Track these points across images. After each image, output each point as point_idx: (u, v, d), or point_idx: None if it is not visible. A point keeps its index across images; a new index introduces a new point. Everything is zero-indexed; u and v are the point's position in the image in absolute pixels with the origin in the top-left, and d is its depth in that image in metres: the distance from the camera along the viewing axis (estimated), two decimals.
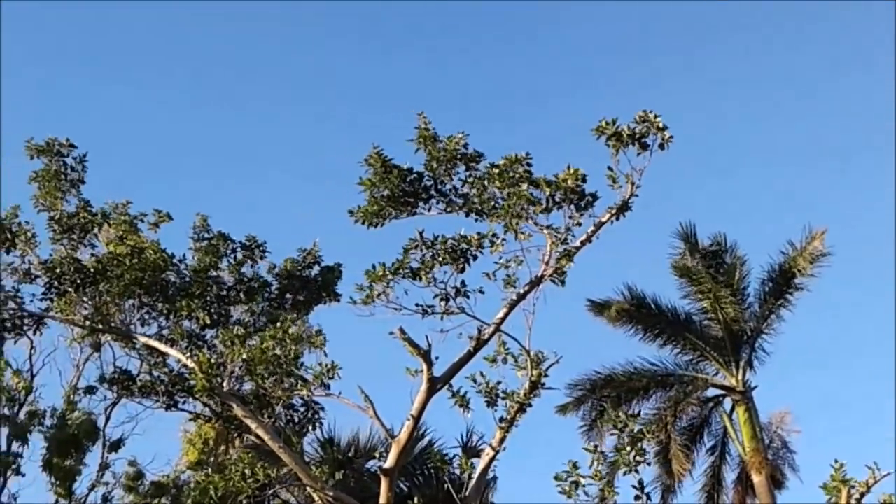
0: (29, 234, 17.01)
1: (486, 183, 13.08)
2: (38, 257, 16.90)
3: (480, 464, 12.95)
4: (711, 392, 24.51)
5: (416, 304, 12.79)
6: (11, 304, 16.75)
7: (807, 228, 24.01)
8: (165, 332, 17.04)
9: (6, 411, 18.23)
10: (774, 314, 24.21)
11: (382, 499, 12.64)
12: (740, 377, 23.60)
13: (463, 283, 12.83)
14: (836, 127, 44.56)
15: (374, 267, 12.73)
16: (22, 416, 18.48)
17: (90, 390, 18.70)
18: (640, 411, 22.18)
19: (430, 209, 13.43)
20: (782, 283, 24.00)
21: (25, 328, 17.20)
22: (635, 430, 11.44)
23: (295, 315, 18.09)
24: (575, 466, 11.03)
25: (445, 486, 14.97)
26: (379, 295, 12.75)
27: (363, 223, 13.25)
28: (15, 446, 18.19)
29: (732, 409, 23.87)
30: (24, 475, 18.10)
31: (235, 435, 18.31)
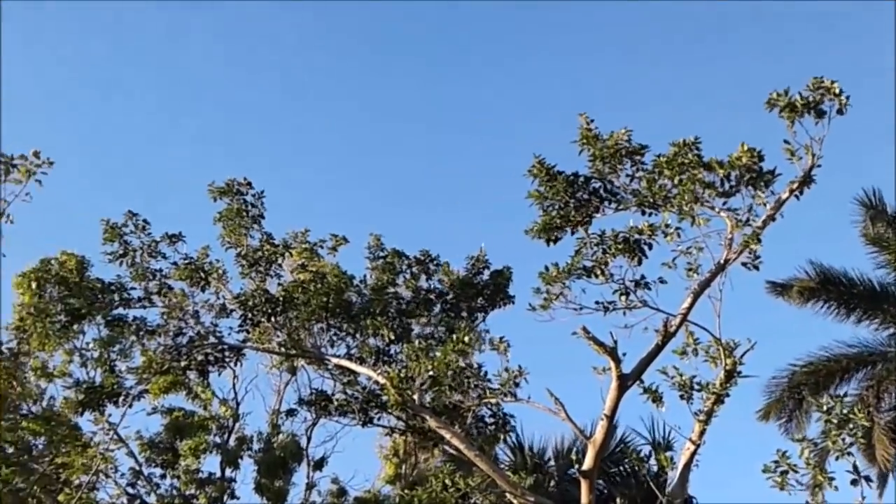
0: (220, 272, 17.94)
1: (655, 174, 12.76)
2: (230, 292, 17.81)
3: (682, 458, 12.58)
4: None
5: (596, 302, 12.65)
6: (212, 339, 17.75)
7: None
8: (354, 351, 17.64)
9: (217, 439, 19.35)
10: None
11: (584, 501, 12.51)
12: None
13: (642, 276, 12.60)
14: None
15: (546, 269, 12.67)
16: (232, 442, 19.57)
17: (291, 413, 19.57)
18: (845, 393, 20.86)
19: (602, 212, 13.17)
20: None
21: (227, 360, 18.19)
22: (843, 412, 10.81)
23: (472, 323, 18.35)
24: (784, 456, 10.52)
25: (645, 484, 14.69)
26: (557, 297, 12.68)
27: (540, 239, 13.10)
28: (228, 471, 19.28)
29: None
30: (238, 498, 19.18)
31: (430, 446, 18.67)
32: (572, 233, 13.12)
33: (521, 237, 13.33)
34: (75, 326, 17.90)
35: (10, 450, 15.76)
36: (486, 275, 18.91)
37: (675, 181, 12.45)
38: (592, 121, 13.08)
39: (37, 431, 15.95)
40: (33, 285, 17.03)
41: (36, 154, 10.35)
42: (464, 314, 18.37)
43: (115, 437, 15.09)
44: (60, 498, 14.01)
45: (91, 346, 18.44)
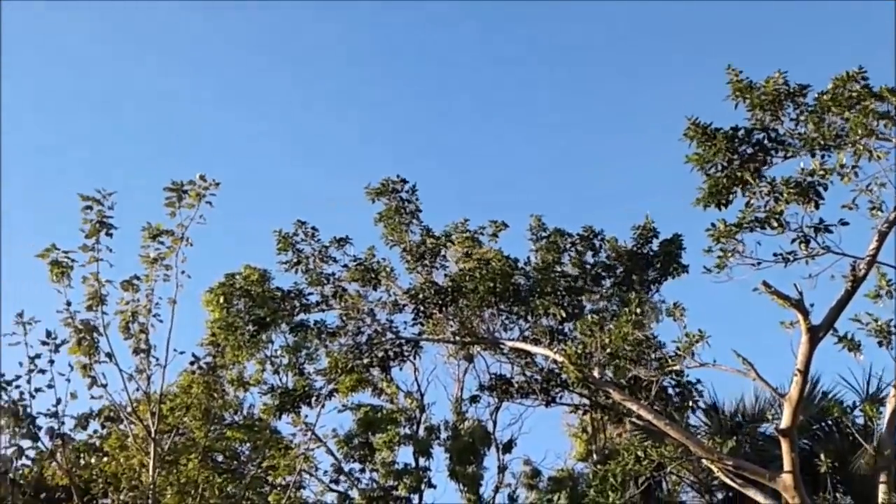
0: (388, 269, 18.45)
1: (821, 114, 12.02)
2: (400, 288, 18.28)
3: (888, 406, 11.88)
4: None
5: (775, 254, 12.08)
6: (389, 335, 18.28)
7: None
8: (527, 333, 17.69)
9: (407, 431, 19.88)
10: None
11: (786, 460, 12.03)
12: None
13: (821, 220, 11.90)
14: None
15: (713, 225, 12.19)
16: (421, 433, 20.07)
17: (474, 399, 19.86)
18: None
19: (770, 163, 12.50)
20: None
21: (406, 354, 18.72)
22: None
23: (645, 294, 17.98)
24: None
25: (850, 437, 13.97)
26: (731, 254, 12.20)
27: (710, 206, 12.52)
28: (421, 461, 19.78)
29: None
30: (434, 486, 19.62)
31: (618, 420, 18.47)
32: (742, 192, 12.51)
33: (687, 206, 12.85)
34: (263, 336, 18.84)
35: (220, 458, 16.78)
36: (654, 245, 18.48)
37: (845, 117, 11.70)
38: (741, 71, 12.48)
39: (241, 438, 16.94)
40: (221, 300, 18.05)
41: (202, 177, 10.93)
42: (636, 287, 18.02)
43: (313, 437, 15.76)
44: (270, 499, 14.80)
45: (279, 352, 19.37)
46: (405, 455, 19.88)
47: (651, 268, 18.45)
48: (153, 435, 10.66)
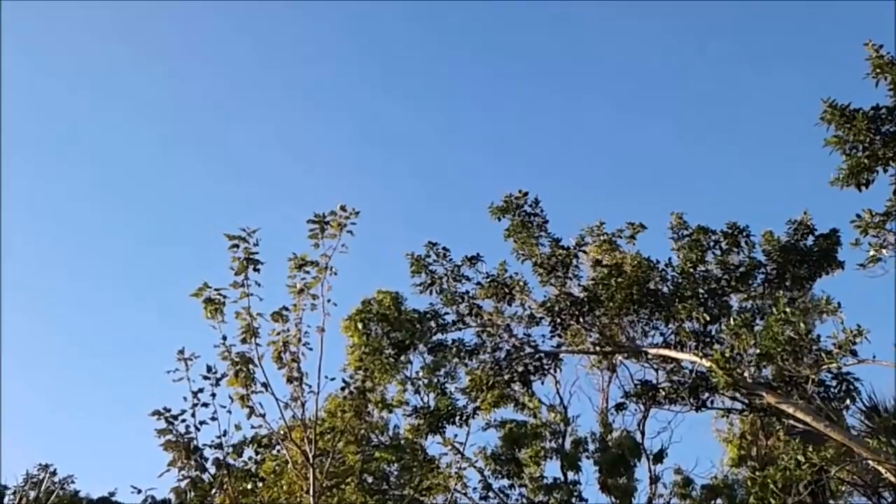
0: (521, 284, 18.37)
1: None
2: (535, 301, 18.17)
3: None
4: None
5: None
6: (528, 349, 18.19)
7: None
8: (670, 338, 17.24)
9: (553, 444, 19.74)
10: None
11: None
12: None
13: None
14: None
15: (858, 216, 11.64)
16: (567, 446, 19.88)
17: (620, 408, 19.48)
18: None
19: None
20: None
21: (546, 367, 18.54)
22: None
23: (796, 292, 17.23)
24: None
25: None
26: (884, 246, 11.62)
27: (849, 185, 12.04)
28: (570, 475, 19.58)
29: None
30: (585, 500, 19.36)
31: (773, 423, 17.77)
32: (885, 170, 11.94)
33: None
34: (402, 357, 19.10)
35: (370, 479, 17.09)
36: (809, 241, 17.66)
37: None
38: (881, 46, 11.90)
39: (389, 459, 17.22)
40: (360, 325, 18.44)
41: (342, 208, 11.23)
42: (788, 284, 17.27)
43: (461, 455, 15.86)
44: None
45: (420, 373, 19.60)
46: (553, 469, 19.77)
47: (804, 264, 17.61)
48: (311, 461, 10.94)
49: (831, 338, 12.91)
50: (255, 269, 11.08)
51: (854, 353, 12.76)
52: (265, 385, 10.89)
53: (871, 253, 11.62)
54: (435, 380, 19.03)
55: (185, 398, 10.62)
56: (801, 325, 13.31)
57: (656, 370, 18.20)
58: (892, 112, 11.98)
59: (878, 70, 11.92)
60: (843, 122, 12.03)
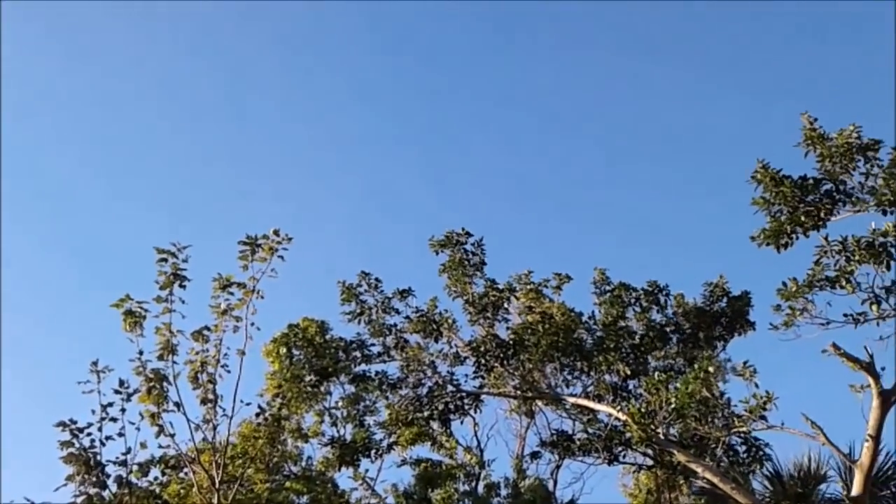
0: (450, 321, 18.45)
1: (893, 170, 11.86)
2: (462, 340, 18.25)
3: None
4: None
5: (845, 315, 11.89)
6: (450, 387, 18.20)
7: None
8: (590, 389, 17.49)
9: (466, 487, 19.69)
10: None
11: None
12: None
13: (893, 281, 11.74)
14: None
15: (784, 284, 12.07)
16: (480, 489, 19.85)
17: (535, 456, 19.60)
18: None
19: (836, 214, 12.39)
20: None
21: (466, 407, 18.54)
22: None
23: (711, 352, 17.69)
24: None
25: None
26: (800, 313, 12.03)
27: (768, 246, 12.51)
28: None
29: None
30: None
31: (679, 481, 18.06)
32: (806, 235, 12.43)
33: (754, 267, 12.79)
34: (322, 387, 18.95)
35: None
36: (723, 302, 18.21)
37: None
38: (816, 119, 12.42)
39: (299, 490, 16.98)
40: (283, 350, 18.24)
41: (276, 232, 11.22)
42: (702, 344, 17.75)
43: (372, 491, 15.74)
44: None
45: (339, 404, 19.42)
46: None
47: (717, 325, 18.17)
48: (217, 485, 10.78)
49: (743, 402, 13.19)
50: (181, 286, 10.96)
51: (764, 419, 13.05)
52: (178, 405, 10.74)
53: (786, 317, 12.00)
54: (354, 411, 18.89)
55: (93, 411, 10.40)
56: (716, 386, 13.63)
57: (574, 420, 18.41)
58: (817, 183, 12.46)
59: (809, 142, 12.40)
60: (772, 185, 12.46)
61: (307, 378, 18.04)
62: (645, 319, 17.86)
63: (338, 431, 19.40)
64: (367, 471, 16.40)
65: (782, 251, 12.55)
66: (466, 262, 18.56)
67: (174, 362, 10.80)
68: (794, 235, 12.50)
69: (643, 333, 17.64)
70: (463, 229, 18.55)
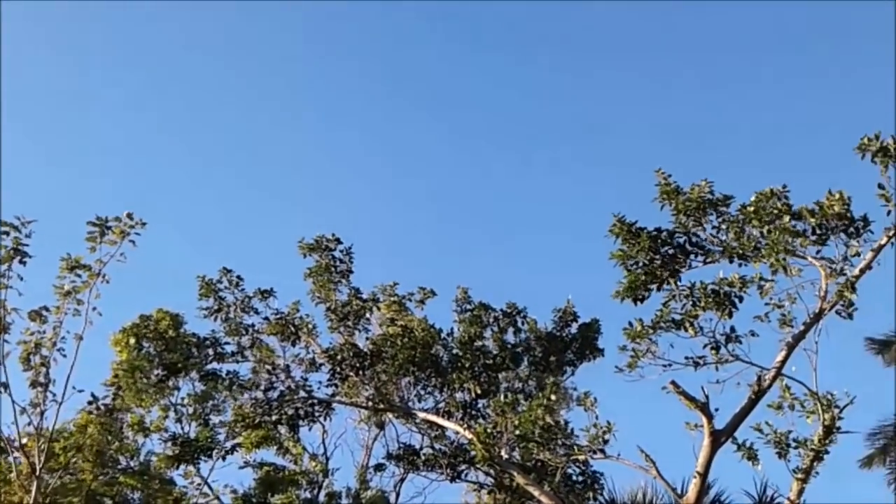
0: (310, 326, 18.24)
1: (742, 225, 12.47)
2: (320, 346, 18.07)
3: None
4: None
5: (686, 357, 12.37)
6: (302, 393, 18.00)
7: None
8: (441, 405, 17.62)
9: (307, 494, 19.44)
10: None
11: None
12: None
13: (732, 328, 12.26)
14: None
15: (630, 325, 12.47)
16: (321, 498, 19.63)
17: (379, 468, 19.56)
18: None
19: (689, 266, 12.91)
20: None
21: (317, 414, 18.40)
22: None
23: (560, 377, 18.12)
24: None
25: None
26: (644, 354, 12.44)
27: (628, 299, 12.87)
28: None
29: None
30: None
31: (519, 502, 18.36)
32: (659, 289, 12.86)
33: (608, 287, 13.16)
34: (171, 381, 18.40)
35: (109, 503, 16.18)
36: (573, 328, 18.71)
37: (764, 231, 12.14)
38: (670, 175, 12.91)
39: (133, 486, 16.36)
40: (132, 341, 17.59)
41: (129, 216, 10.83)
42: (552, 368, 18.17)
43: (209, 491, 15.32)
44: None
45: (186, 400, 18.84)
46: None
47: (568, 350, 18.65)
48: (38, 472, 10.27)
49: (584, 431, 13.50)
50: (22, 262, 10.43)
51: (602, 451, 13.39)
52: (4, 385, 10.17)
53: (630, 359, 12.38)
54: (200, 409, 18.37)
55: None
56: (559, 413, 13.96)
57: (422, 435, 18.50)
58: (672, 236, 12.94)
59: (664, 196, 12.87)
60: (629, 237, 12.82)
61: (154, 372, 17.48)
62: (500, 340, 18.14)
63: (182, 428, 18.84)
64: (198, 470, 15.89)
65: (639, 304, 12.93)
66: (333, 269, 18.43)
67: (5, 341, 10.26)
68: (650, 288, 12.88)
69: (497, 354, 17.92)
70: (333, 235, 18.44)
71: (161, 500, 13.64)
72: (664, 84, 40.75)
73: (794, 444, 11.77)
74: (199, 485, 13.58)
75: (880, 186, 11.61)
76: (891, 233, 11.63)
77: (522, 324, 18.73)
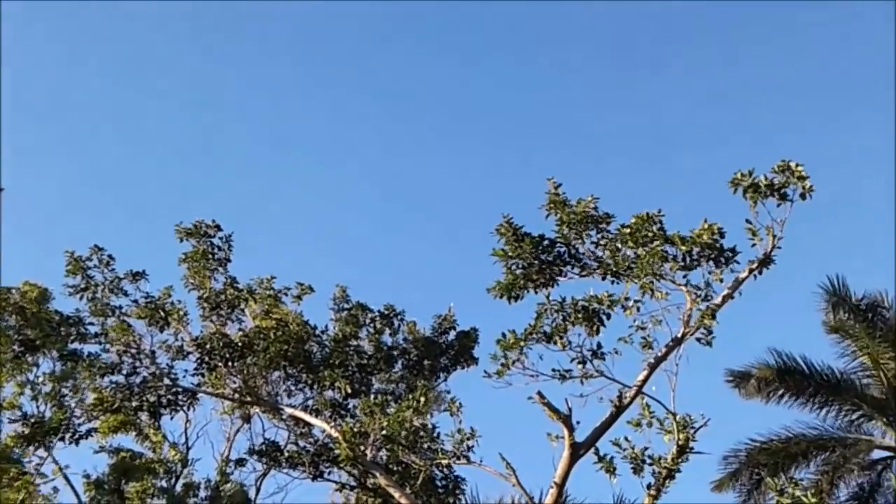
0: (181, 313, 17.73)
1: (618, 244, 12.88)
2: (189, 334, 17.61)
3: None
4: (878, 454, 22.73)
5: (553, 370, 12.63)
6: (167, 380, 17.49)
7: None
8: (311, 402, 17.43)
9: (164, 484, 18.92)
10: None
11: None
12: None
13: (599, 345, 12.63)
14: None
15: (504, 335, 12.67)
16: (178, 488, 19.14)
17: (241, 462, 19.21)
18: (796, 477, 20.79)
19: (565, 276, 13.26)
20: None
21: (180, 403, 17.89)
22: (798, 495, 10.86)
23: (433, 382, 18.20)
24: None
25: None
26: (514, 363, 12.64)
27: (502, 298, 13.15)
28: None
29: None
30: None
31: None
32: (535, 292, 13.18)
33: (487, 295, 13.37)
34: (29, 358, 17.61)
35: None
36: (451, 335, 18.84)
37: (638, 252, 12.56)
38: (560, 185, 13.24)
39: None
40: None
41: None
42: (426, 373, 18.24)
43: (60, 474, 14.70)
44: None
45: (43, 379, 18.06)
46: None
47: (444, 356, 18.76)
48: None
49: (449, 436, 13.63)
50: None
51: (466, 457, 13.54)
52: None
53: (499, 367, 12.57)
54: (58, 389, 17.64)
55: None
56: (428, 417, 14.02)
57: (288, 431, 18.26)
58: (553, 244, 13.26)
59: (552, 206, 13.17)
60: (513, 239, 13.11)
61: (11, 347, 16.70)
62: (376, 341, 18.11)
63: (38, 408, 18.05)
64: (49, 452, 15.26)
65: (512, 303, 13.22)
66: (210, 256, 17.99)
67: None
68: (525, 290, 13.20)
69: (371, 354, 17.87)
70: (213, 221, 18.00)
71: (3, 479, 12.97)
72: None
73: (649, 461, 12.14)
74: (39, 465, 13.01)
75: (748, 221, 12.18)
76: (753, 266, 12.21)
77: (400, 326, 18.76)
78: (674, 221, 12.58)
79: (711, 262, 12.32)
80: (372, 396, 15.71)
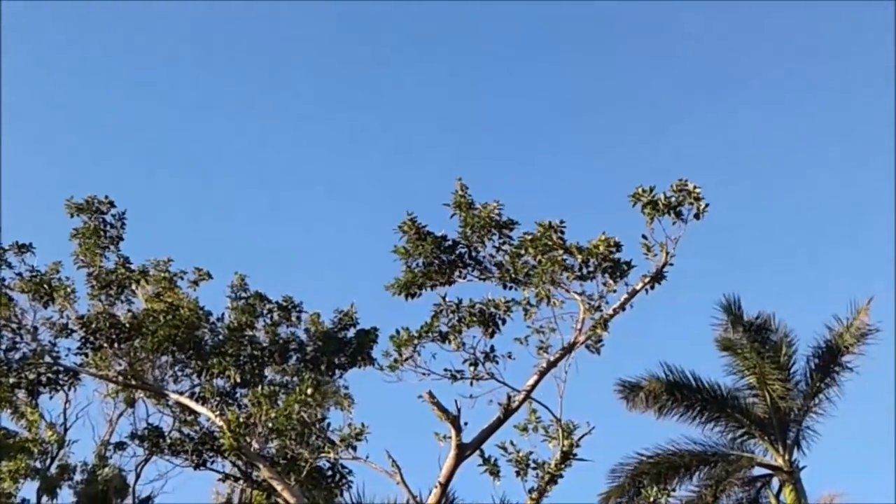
0: (68, 290, 17.06)
1: (520, 251, 12.98)
2: (76, 312, 16.98)
3: None
4: (758, 471, 23.59)
5: (445, 369, 12.70)
6: (48, 358, 16.82)
7: (853, 303, 23.18)
8: (198, 389, 17.02)
9: (38, 464, 18.22)
10: (823, 393, 23.28)
11: None
12: (787, 456, 22.68)
13: (492, 347, 12.78)
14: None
15: (398, 332, 12.67)
16: (53, 469, 18.46)
17: (120, 446, 18.63)
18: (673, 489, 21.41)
19: (464, 277, 13.34)
20: (829, 360, 23.11)
21: (61, 382, 17.21)
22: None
23: (330, 378, 18.01)
24: None
25: None
26: (407, 360, 12.65)
27: (399, 295, 13.16)
28: (45, 500, 18.13)
29: (780, 490, 22.91)
30: None
31: (264, 497, 18.06)
32: (432, 289, 13.24)
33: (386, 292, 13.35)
34: None
35: None
36: (352, 332, 18.61)
37: (537, 260, 12.68)
38: (467, 188, 13.28)
39: None
40: None
41: None
42: (322, 368, 18.01)
43: None
44: None
45: None
46: (29, 490, 18.13)
47: (341, 353, 18.54)
48: None
49: (338, 430, 13.53)
50: None
51: (354, 448, 13.46)
52: None
53: (392, 363, 12.54)
54: None
55: None
56: (317, 410, 13.87)
57: (173, 418, 17.78)
58: (454, 246, 13.31)
59: (458, 207, 13.21)
60: (415, 238, 13.12)
61: None
62: (272, 332, 17.80)
63: None
64: None
65: (409, 300, 13.25)
66: (103, 233, 17.38)
67: None
68: (423, 288, 13.23)
69: (266, 346, 17.56)
70: (106, 197, 17.37)
71: None
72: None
73: (533, 466, 12.32)
74: None
75: (644, 237, 12.43)
76: (646, 280, 12.47)
77: (298, 319, 18.46)
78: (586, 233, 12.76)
79: (607, 274, 12.52)
80: (261, 387, 15.41)
